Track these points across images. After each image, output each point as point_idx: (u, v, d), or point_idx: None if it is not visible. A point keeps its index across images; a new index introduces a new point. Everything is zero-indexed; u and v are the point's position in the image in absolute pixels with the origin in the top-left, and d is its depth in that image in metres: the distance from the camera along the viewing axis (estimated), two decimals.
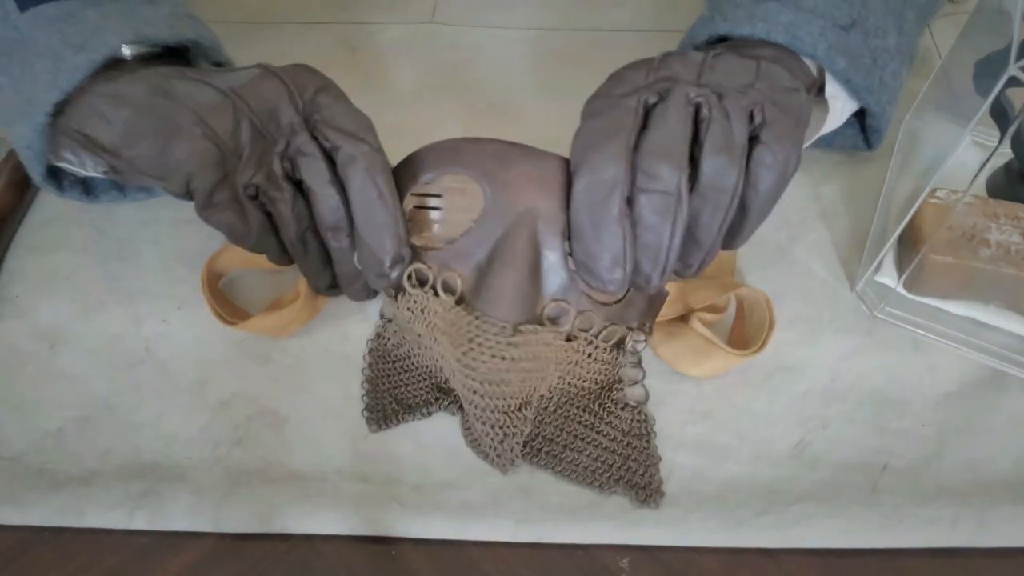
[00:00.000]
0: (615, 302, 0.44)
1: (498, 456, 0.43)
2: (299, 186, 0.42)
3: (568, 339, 0.43)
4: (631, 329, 0.45)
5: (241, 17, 0.68)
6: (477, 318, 0.41)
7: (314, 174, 0.41)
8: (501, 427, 0.43)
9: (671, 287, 0.48)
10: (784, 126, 0.40)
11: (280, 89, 0.42)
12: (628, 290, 0.44)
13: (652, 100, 0.41)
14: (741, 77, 0.41)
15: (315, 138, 0.41)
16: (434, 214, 0.43)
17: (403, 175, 0.44)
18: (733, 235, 0.43)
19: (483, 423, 0.43)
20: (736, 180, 0.39)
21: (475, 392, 0.42)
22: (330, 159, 0.41)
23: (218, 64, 0.50)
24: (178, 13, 0.47)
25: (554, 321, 0.42)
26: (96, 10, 0.44)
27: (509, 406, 0.43)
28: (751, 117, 0.40)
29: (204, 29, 0.48)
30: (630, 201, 0.40)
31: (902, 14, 0.51)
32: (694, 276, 0.43)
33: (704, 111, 0.40)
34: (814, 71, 0.49)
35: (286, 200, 0.41)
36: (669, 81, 0.41)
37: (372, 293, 0.46)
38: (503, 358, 0.41)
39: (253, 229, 0.42)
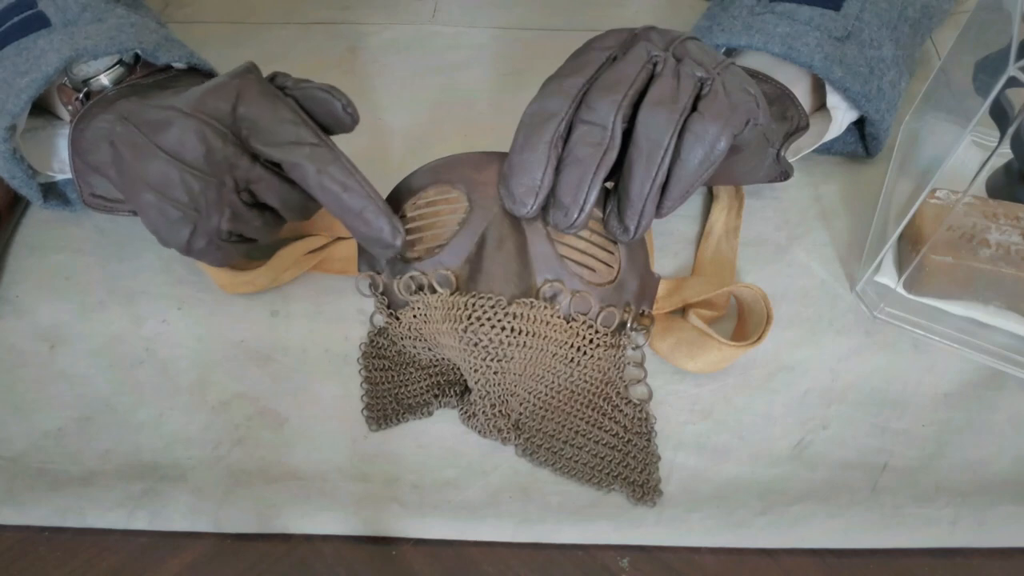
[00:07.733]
0: (608, 283, 0.45)
1: (498, 431, 0.44)
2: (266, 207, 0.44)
3: (567, 321, 0.44)
4: (628, 311, 0.46)
5: (241, 17, 0.68)
6: (473, 296, 0.43)
7: (273, 197, 0.43)
8: (502, 404, 0.44)
9: (668, 282, 0.48)
10: (722, 105, 0.41)
11: (199, 128, 0.40)
12: (619, 272, 0.46)
13: (619, 55, 0.42)
14: (707, 58, 0.42)
15: (256, 158, 0.42)
16: (425, 225, 0.46)
17: (393, 202, 0.47)
18: (660, 201, 0.43)
19: (483, 397, 0.44)
20: (670, 136, 0.40)
21: (477, 370, 0.43)
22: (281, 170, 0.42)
23: (170, 65, 0.49)
24: (122, 24, 0.47)
25: (550, 300, 0.44)
26: (46, 39, 0.46)
27: (513, 384, 0.44)
28: (701, 87, 0.41)
29: (148, 35, 0.47)
30: (569, 137, 0.41)
31: (897, 27, 0.52)
32: (633, 241, 0.44)
33: (658, 68, 0.41)
34: (810, 82, 0.51)
35: (258, 225, 0.44)
36: (640, 41, 0.42)
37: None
38: (503, 328, 0.43)
39: (238, 255, 0.45)
